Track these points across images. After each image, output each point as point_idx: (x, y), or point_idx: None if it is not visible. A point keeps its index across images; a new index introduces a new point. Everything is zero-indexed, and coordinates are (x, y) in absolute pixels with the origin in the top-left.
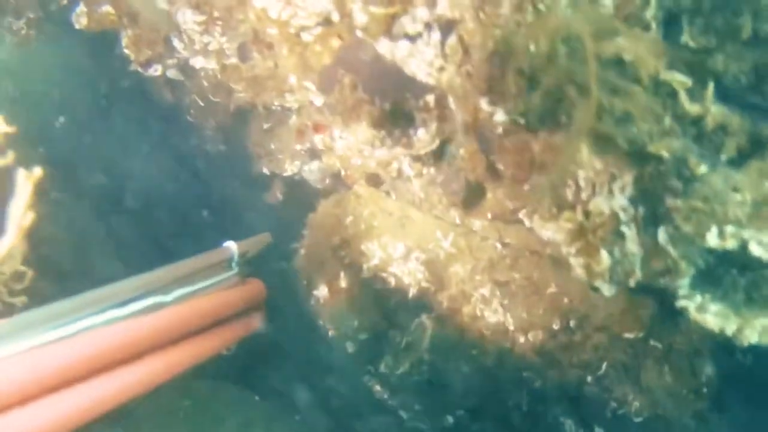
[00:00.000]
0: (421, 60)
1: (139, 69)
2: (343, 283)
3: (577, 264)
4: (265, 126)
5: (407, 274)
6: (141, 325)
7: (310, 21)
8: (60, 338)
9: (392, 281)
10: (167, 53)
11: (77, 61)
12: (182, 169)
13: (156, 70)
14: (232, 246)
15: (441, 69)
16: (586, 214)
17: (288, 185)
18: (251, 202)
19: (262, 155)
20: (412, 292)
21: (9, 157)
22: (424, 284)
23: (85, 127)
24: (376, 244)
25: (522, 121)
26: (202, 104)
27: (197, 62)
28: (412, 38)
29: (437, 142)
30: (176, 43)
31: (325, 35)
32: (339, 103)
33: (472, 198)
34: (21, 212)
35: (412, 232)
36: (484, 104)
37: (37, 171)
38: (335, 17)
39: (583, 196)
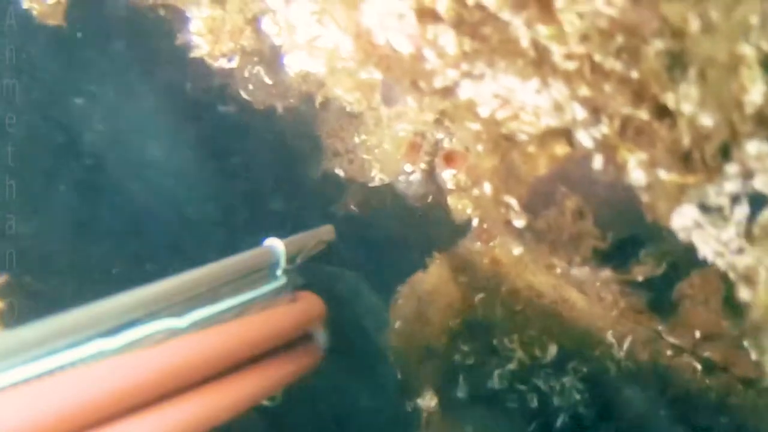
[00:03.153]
0: (712, 235)
1: None
2: (461, 393)
3: None
4: (349, 110)
5: (558, 391)
6: (141, 362)
7: (536, 130)
8: (15, 383)
9: (534, 401)
10: None
11: None
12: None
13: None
14: (276, 245)
15: (740, 251)
16: None
17: (368, 195)
18: (311, 210)
19: (339, 152)
20: (561, 419)
21: None
22: (581, 410)
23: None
24: (516, 340)
25: None
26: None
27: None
28: (707, 208)
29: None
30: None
31: (548, 136)
32: (551, 231)
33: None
34: None
35: (573, 329)
36: None
37: None
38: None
39: None
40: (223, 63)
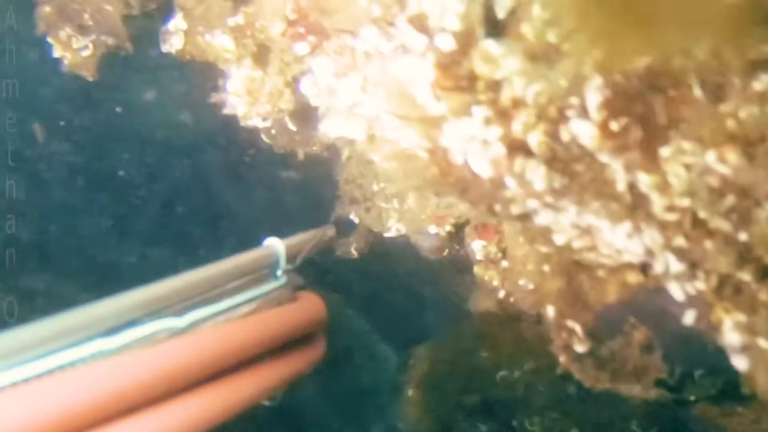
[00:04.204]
0: None
1: None
2: None
3: None
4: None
5: None
6: (141, 362)
7: (612, 262)
8: (15, 383)
9: None
10: None
11: None
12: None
13: None
14: (276, 245)
15: None
16: None
17: (375, 242)
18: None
19: (356, 199)
20: None
21: None
22: None
23: None
24: (537, 423)
25: None
26: None
27: None
28: None
29: None
30: None
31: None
32: (615, 361)
33: None
34: None
35: (597, 414)
36: None
37: None
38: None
39: None
40: (257, 123)
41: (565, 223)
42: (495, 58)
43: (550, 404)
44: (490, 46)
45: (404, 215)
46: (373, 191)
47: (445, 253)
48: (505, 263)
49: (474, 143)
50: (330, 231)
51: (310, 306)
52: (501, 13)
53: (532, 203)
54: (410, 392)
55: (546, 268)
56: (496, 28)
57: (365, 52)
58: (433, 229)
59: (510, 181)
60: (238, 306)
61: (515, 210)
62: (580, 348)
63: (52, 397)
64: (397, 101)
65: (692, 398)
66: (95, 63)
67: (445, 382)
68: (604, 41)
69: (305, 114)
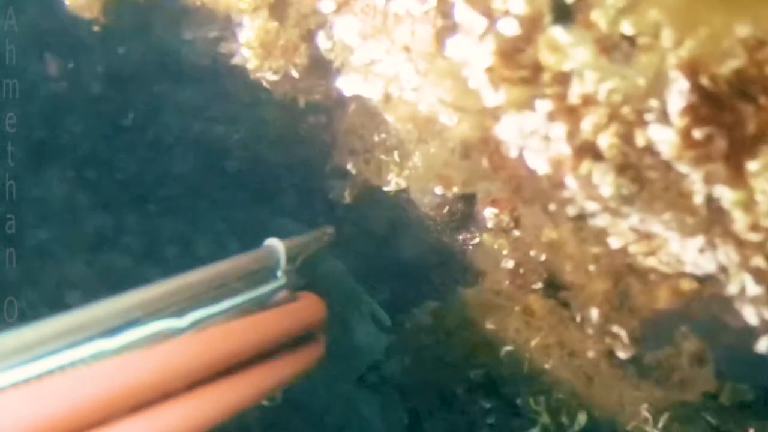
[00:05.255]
0: None
1: None
2: None
3: None
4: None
5: None
6: (141, 362)
7: (671, 270)
8: (15, 383)
9: None
10: None
11: None
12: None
13: None
14: (277, 246)
15: None
16: None
17: (371, 194)
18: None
19: (356, 150)
20: None
21: None
22: None
23: None
24: (542, 402)
25: None
26: None
27: None
28: None
29: None
30: None
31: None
32: (661, 370)
33: None
34: None
35: (606, 397)
36: None
37: None
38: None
39: None
40: (267, 76)
41: (624, 227)
42: (563, 48)
43: (557, 384)
44: (558, 33)
45: (409, 173)
46: (373, 142)
47: (445, 210)
48: (516, 233)
49: (534, 139)
50: (330, 233)
51: (310, 306)
52: None
53: (592, 206)
54: (406, 360)
55: (592, 268)
56: (563, 13)
57: (396, 14)
58: (439, 190)
59: (571, 182)
60: (239, 306)
61: (571, 211)
62: (623, 354)
63: (52, 397)
64: (447, 84)
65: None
66: (100, 6)
67: (447, 352)
68: (694, 32)
69: (316, 65)
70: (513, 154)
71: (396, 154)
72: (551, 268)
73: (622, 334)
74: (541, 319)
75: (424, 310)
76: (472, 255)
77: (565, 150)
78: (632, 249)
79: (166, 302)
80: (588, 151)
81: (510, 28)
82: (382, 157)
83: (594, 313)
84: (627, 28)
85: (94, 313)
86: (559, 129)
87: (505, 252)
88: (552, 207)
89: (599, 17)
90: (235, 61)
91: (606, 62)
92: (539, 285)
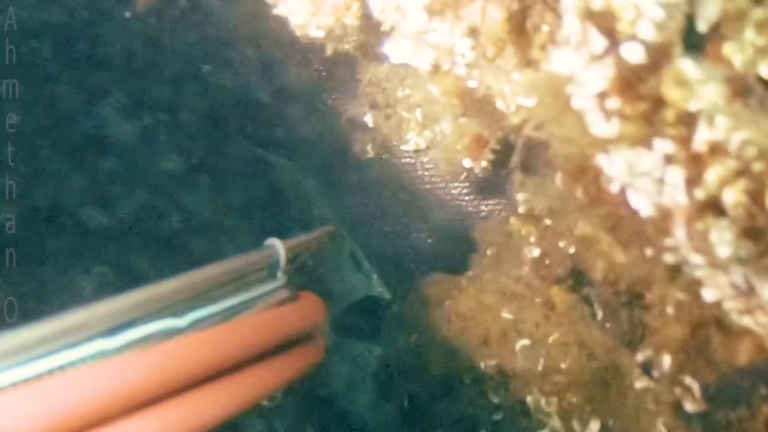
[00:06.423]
0: None
1: None
2: None
3: None
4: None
5: None
6: (141, 362)
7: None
8: (15, 383)
9: None
10: None
11: None
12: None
13: None
14: (277, 246)
15: None
16: None
17: (389, 151)
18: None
19: (377, 104)
20: None
21: None
22: None
23: None
24: (554, 404)
25: None
26: None
27: None
28: None
29: None
30: None
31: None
32: (731, 430)
33: None
34: None
35: (621, 406)
36: None
37: None
38: None
39: None
40: (313, 33)
41: (724, 281)
42: (690, 83)
43: (572, 386)
44: (687, 66)
45: (432, 136)
46: (396, 97)
47: (460, 173)
48: (548, 221)
49: (645, 180)
50: (330, 232)
51: (310, 306)
52: (703, 26)
53: (697, 259)
54: (412, 337)
55: (671, 311)
56: (693, 42)
57: None
58: (467, 162)
59: (680, 233)
60: (239, 306)
61: (670, 259)
62: (691, 408)
63: (52, 397)
64: (547, 100)
65: None
66: None
67: (457, 337)
68: None
69: (366, 26)
70: (614, 189)
71: (419, 112)
72: (580, 262)
73: (695, 387)
74: (561, 315)
75: (433, 284)
76: (493, 233)
77: (680, 199)
78: (728, 305)
79: (166, 302)
80: (708, 205)
81: (635, 54)
82: (404, 114)
83: (666, 360)
84: (766, 71)
85: (94, 313)
86: (677, 175)
87: (532, 239)
88: (649, 252)
89: (733, 53)
90: (278, 11)
91: (741, 108)
92: (564, 278)
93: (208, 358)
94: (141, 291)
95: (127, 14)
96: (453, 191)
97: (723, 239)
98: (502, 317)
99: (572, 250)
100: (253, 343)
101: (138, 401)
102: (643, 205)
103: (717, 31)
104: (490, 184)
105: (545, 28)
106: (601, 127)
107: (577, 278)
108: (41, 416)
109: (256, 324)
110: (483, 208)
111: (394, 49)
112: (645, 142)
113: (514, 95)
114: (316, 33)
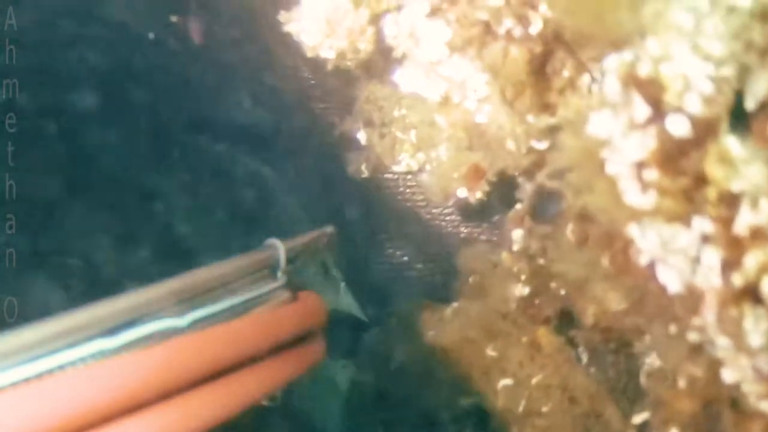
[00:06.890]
0: None
1: None
2: None
3: None
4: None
5: None
6: (141, 362)
7: None
8: (15, 383)
9: None
10: None
11: None
12: None
13: None
14: (277, 246)
15: None
16: None
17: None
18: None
19: (372, 122)
20: None
21: None
22: None
23: None
24: None
25: None
26: None
27: None
28: None
29: None
30: None
31: None
32: None
33: None
34: None
35: None
36: None
37: None
38: None
39: None
40: (325, 54)
41: (745, 364)
42: (735, 162)
43: (553, 429)
44: (732, 144)
45: (427, 160)
46: (393, 117)
47: (451, 201)
48: (541, 261)
49: (678, 257)
50: (330, 232)
51: (310, 306)
52: (752, 103)
53: (724, 342)
54: (393, 364)
55: (682, 383)
56: (738, 119)
57: (493, 32)
58: (462, 192)
59: (710, 315)
60: (239, 306)
61: (694, 338)
62: None
63: (52, 397)
64: (578, 161)
65: None
66: None
67: (437, 369)
68: None
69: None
70: (643, 262)
71: (413, 133)
72: (570, 305)
73: None
74: (547, 356)
75: (417, 312)
76: (478, 261)
77: (715, 281)
78: (747, 387)
79: (166, 302)
80: (744, 291)
81: (681, 128)
82: (398, 134)
83: None
84: None
85: (94, 313)
86: (714, 256)
87: (523, 277)
88: (673, 329)
89: None
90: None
91: None
92: (551, 318)
93: (209, 358)
94: (141, 291)
95: None
96: (441, 216)
97: (757, 329)
98: (487, 354)
99: (563, 291)
100: (253, 343)
101: (138, 401)
102: (672, 282)
103: (765, 110)
104: (481, 214)
105: (566, 74)
106: (636, 197)
107: (563, 319)
108: (41, 416)
109: (256, 324)
110: (465, 231)
111: (404, 78)
112: (682, 219)
113: (528, 137)
114: (328, 54)
